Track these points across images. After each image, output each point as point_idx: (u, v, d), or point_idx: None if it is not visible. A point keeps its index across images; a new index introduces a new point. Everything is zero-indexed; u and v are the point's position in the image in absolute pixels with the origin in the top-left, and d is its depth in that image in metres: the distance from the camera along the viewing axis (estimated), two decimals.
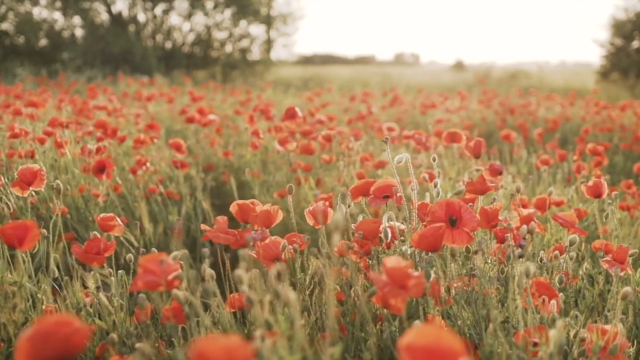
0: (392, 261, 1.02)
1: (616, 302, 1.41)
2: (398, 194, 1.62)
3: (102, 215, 1.51)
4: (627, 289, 1.18)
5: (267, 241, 1.44)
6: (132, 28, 18.41)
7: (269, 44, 20.52)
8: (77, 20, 18.12)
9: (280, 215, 1.53)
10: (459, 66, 33.48)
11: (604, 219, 1.95)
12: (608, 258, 1.49)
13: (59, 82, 10.37)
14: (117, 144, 3.37)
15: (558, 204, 2.36)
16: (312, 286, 1.49)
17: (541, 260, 1.59)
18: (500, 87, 14.24)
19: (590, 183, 1.84)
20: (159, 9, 18.90)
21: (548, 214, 2.06)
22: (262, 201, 3.04)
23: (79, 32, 18.23)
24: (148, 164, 3.19)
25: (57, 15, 18.21)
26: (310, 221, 1.60)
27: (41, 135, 3.01)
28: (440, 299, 1.38)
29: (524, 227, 1.33)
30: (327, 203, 1.59)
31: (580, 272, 2.02)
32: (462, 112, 6.93)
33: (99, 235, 1.49)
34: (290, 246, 1.47)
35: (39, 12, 18.36)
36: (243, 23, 19.75)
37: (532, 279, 1.43)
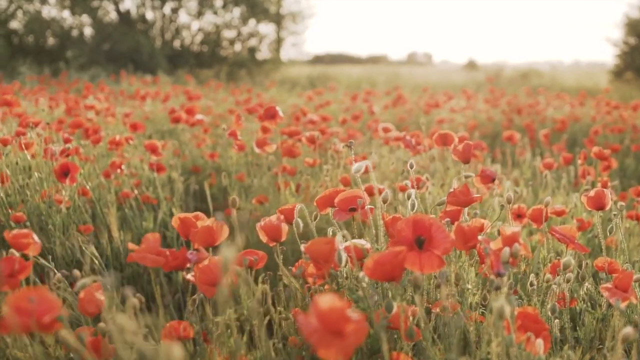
0: (325, 301, 0.81)
1: (616, 339, 1.19)
2: (366, 207, 1.41)
3: (14, 231, 1.30)
4: (628, 330, 0.96)
5: (205, 263, 1.24)
6: (140, 26, 18.30)
7: (278, 43, 20.35)
8: (85, 18, 18.03)
9: (225, 232, 1.32)
10: (472, 65, 33.23)
11: (608, 233, 1.72)
12: (609, 285, 1.26)
13: (61, 80, 10.24)
14: (93, 146, 3.18)
15: (559, 214, 2.13)
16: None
17: (531, 284, 1.37)
18: (511, 87, 13.94)
19: (592, 193, 1.61)
20: (167, 8, 18.79)
21: (546, 226, 1.83)
22: (240, 207, 2.84)
23: (87, 31, 18.15)
24: (123, 167, 3.00)
25: (66, 14, 18.14)
26: (262, 238, 1.39)
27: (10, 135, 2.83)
28: (408, 332, 1.16)
29: (506, 250, 1.11)
30: (281, 217, 1.38)
31: (582, 292, 1.79)
32: (467, 112, 6.68)
33: (16, 254, 1.29)
34: (235, 269, 1.26)
35: (48, 11, 18.29)
36: (252, 22, 19.60)
37: (519, 308, 1.21)
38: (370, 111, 5.80)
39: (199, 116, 3.92)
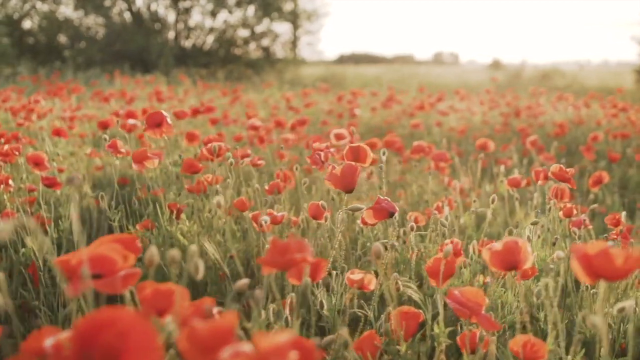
0: None
1: None
2: (123, 272, 0.91)
3: None
4: None
5: None
6: (151, 25, 18.02)
7: (294, 42, 19.96)
8: (97, 18, 17.82)
9: None
10: (496, 65, 32.56)
11: (535, 298, 1.19)
12: None
13: (52, 80, 9.91)
14: None
15: None
16: None
17: None
18: (530, 87, 13.25)
19: (498, 246, 1.08)
20: (180, 7, 18.49)
21: (445, 287, 1.31)
22: (127, 232, 2.36)
23: (99, 30, 17.93)
24: (11, 182, 2.54)
25: (79, 14, 17.94)
26: None
27: None
28: None
29: None
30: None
31: None
32: (460, 114, 6.11)
33: None
34: None
35: (62, 11, 18.10)
36: (266, 21, 19.21)
37: None
38: (351, 113, 5.28)
39: (131, 121, 3.44)
